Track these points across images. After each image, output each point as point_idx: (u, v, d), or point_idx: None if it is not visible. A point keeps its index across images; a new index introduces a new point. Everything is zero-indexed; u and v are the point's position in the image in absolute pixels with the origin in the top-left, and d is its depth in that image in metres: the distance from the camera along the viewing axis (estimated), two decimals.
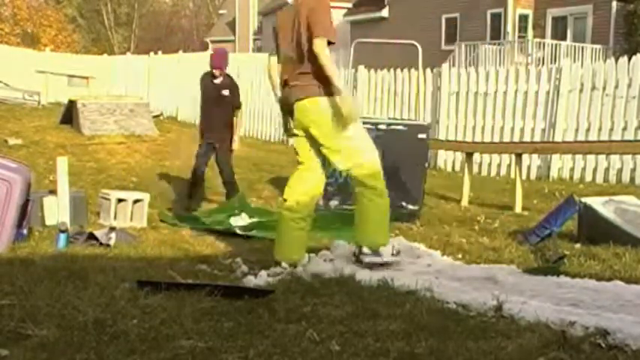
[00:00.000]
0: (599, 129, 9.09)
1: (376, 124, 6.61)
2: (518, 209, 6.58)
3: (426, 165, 6.82)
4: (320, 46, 3.79)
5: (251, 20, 39.79)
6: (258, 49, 36.05)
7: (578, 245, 4.68)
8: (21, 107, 16.51)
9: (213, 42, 41.75)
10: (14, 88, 17.87)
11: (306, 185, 4.09)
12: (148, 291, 3.13)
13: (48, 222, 5.49)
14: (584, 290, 3.43)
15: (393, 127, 6.65)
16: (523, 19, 21.66)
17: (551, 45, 19.32)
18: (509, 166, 9.64)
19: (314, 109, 3.93)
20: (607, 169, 8.97)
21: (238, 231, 5.65)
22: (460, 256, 4.60)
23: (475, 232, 5.53)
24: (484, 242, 5.03)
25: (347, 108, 3.85)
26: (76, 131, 12.51)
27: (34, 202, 5.29)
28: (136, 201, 6.20)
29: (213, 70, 6.96)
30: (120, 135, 12.38)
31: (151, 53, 21.50)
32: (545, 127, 9.65)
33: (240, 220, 6.08)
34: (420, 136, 6.53)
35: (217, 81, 6.98)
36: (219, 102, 6.96)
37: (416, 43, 7.67)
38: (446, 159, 10.83)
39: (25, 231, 4.93)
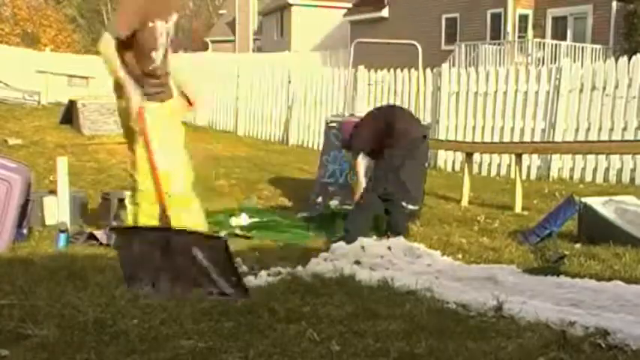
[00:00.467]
0: (599, 129, 9.08)
1: None
2: (518, 209, 6.58)
3: (426, 165, 6.81)
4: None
5: (251, 20, 39.78)
6: (259, 49, 36.06)
7: (578, 245, 4.68)
8: (21, 107, 16.50)
9: (213, 42, 41.78)
10: (14, 88, 17.86)
11: None
12: (148, 291, 3.13)
13: (48, 222, 5.50)
14: (584, 290, 3.43)
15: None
16: (523, 19, 21.67)
17: (551, 45, 19.32)
18: (509, 166, 9.63)
19: None
20: (607, 169, 8.97)
21: (238, 231, 5.65)
22: (460, 256, 4.61)
23: (475, 232, 5.53)
24: (484, 242, 5.03)
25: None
26: (76, 131, 12.50)
27: (34, 202, 5.29)
28: None
29: None
30: (120, 135, 12.28)
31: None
32: (545, 127, 9.65)
33: (240, 220, 6.08)
34: None
35: None
36: None
37: (416, 43, 7.66)
38: (446, 159, 10.82)
39: (25, 231, 4.93)
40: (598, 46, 19.14)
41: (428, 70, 11.23)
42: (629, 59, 8.93)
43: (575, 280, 3.66)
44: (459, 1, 22.86)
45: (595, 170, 9.07)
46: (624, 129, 8.87)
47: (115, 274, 3.66)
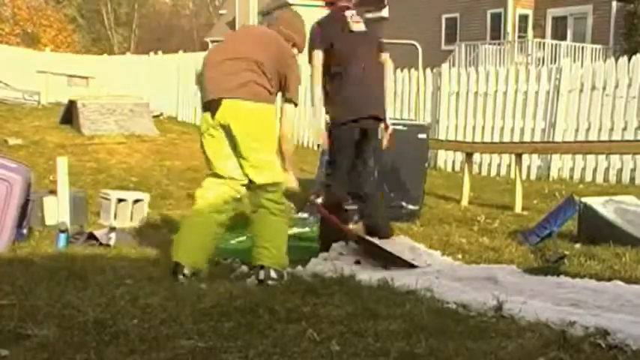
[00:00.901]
0: (599, 129, 9.09)
1: None
2: (518, 209, 6.58)
3: (426, 165, 6.81)
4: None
5: (251, 20, 39.75)
6: None
7: (578, 245, 4.68)
8: (21, 107, 16.48)
9: (213, 42, 41.78)
10: (14, 88, 17.85)
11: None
12: (147, 291, 3.13)
13: (48, 222, 5.50)
14: (584, 290, 3.43)
15: (392, 127, 6.62)
16: (523, 19, 21.69)
17: (551, 45, 19.33)
18: (509, 166, 9.64)
19: None
20: (607, 169, 8.97)
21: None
22: (460, 256, 4.61)
23: (475, 232, 5.53)
24: (484, 242, 5.03)
25: None
26: (76, 131, 12.48)
27: (34, 202, 5.28)
28: (136, 201, 6.20)
29: None
30: (120, 135, 12.35)
31: (151, 53, 21.49)
32: (545, 127, 9.65)
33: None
34: (420, 136, 6.52)
35: None
36: None
37: (416, 43, 7.68)
38: (446, 159, 10.83)
39: (25, 231, 4.93)
40: (598, 46, 19.16)
41: (428, 70, 11.24)
42: (629, 59, 8.94)
43: (576, 280, 3.66)
44: (459, 1, 22.87)
45: (595, 170, 9.07)
46: (624, 129, 8.87)
47: (115, 274, 3.67)
